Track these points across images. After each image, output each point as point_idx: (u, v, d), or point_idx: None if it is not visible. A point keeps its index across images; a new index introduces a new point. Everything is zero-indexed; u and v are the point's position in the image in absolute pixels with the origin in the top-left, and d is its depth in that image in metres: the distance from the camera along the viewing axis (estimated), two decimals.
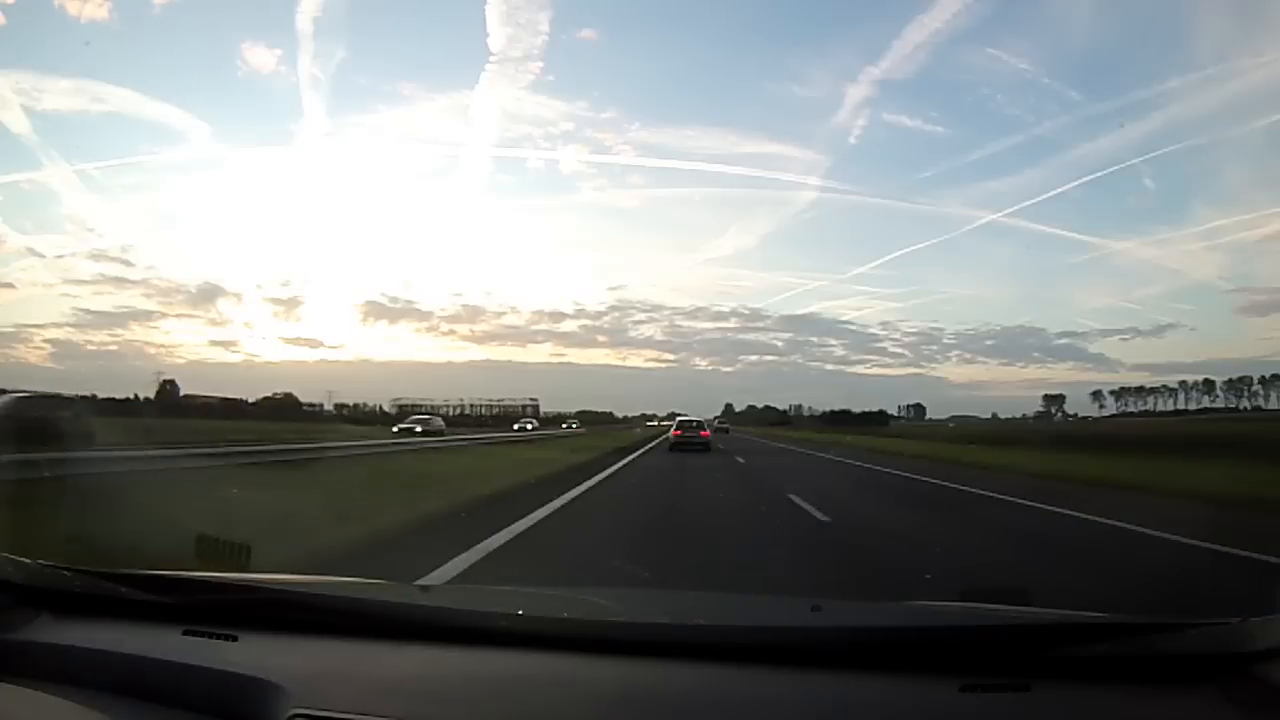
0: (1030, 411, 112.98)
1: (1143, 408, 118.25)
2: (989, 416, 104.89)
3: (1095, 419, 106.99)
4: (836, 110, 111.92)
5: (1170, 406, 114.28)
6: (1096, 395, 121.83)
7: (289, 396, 79.45)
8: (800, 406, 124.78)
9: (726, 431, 52.47)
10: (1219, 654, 1.12)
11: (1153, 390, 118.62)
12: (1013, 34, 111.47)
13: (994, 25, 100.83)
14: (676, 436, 25.41)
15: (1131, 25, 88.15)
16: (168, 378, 71.58)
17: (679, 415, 31.11)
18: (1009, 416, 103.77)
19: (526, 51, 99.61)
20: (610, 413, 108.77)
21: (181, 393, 65.68)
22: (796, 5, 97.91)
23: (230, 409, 60.63)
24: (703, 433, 25.63)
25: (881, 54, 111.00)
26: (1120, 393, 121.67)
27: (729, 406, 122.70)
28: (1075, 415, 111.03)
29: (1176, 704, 1.07)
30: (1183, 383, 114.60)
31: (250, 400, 73.56)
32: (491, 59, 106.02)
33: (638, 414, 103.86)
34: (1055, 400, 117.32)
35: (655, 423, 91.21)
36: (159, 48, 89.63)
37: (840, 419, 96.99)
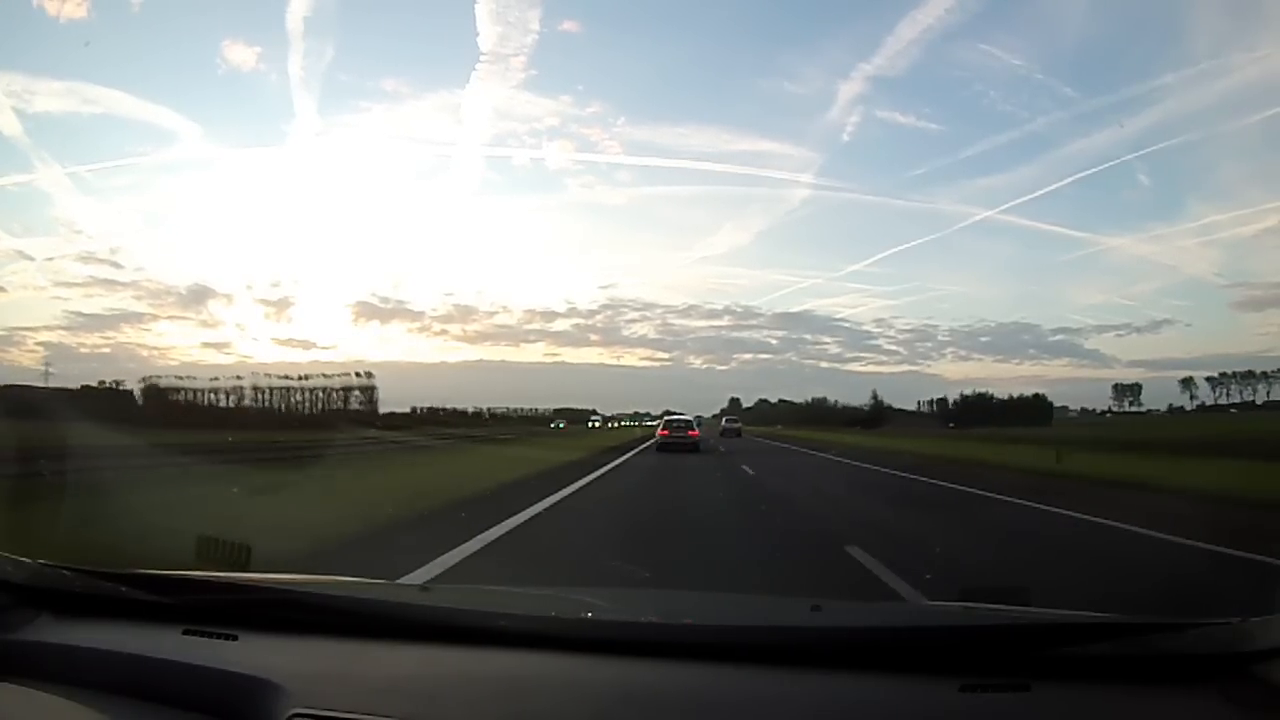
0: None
1: (1248, 396, 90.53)
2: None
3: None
4: (829, 107, 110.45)
5: None
6: (1186, 383, 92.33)
7: (151, 386, 55.22)
8: (827, 400, 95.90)
9: (737, 434, 39.21)
10: (1219, 654, 1.12)
11: (1265, 375, 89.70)
12: (1005, 30, 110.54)
13: (987, 21, 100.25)
14: (664, 437, 24.39)
15: (1125, 21, 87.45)
16: None
17: (671, 413, 30.27)
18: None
19: (516, 49, 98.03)
20: (595, 410, 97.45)
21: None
22: (788, 1, 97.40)
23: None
24: (691, 432, 24.46)
25: (874, 50, 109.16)
26: (1220, 379, 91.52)
27: (735, 401, 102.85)
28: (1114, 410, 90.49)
29: (1176, 704, 1.07)
30: None
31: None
32: (482, 57, 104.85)
33: (630, 412, 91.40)
34: (1129, 391, 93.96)
35: (600, 423, 78.07)
36: (151, 49, 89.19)
37: (970, 415, 63.87)
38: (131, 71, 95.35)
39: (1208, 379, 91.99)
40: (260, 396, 55.97)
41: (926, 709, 1.10)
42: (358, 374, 58.73)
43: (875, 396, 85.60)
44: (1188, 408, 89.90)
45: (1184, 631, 1.16)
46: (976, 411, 67.58)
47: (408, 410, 62.49)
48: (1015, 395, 79.94)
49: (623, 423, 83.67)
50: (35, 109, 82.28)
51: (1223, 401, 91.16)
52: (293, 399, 56.91)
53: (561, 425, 70.44)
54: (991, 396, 77.60)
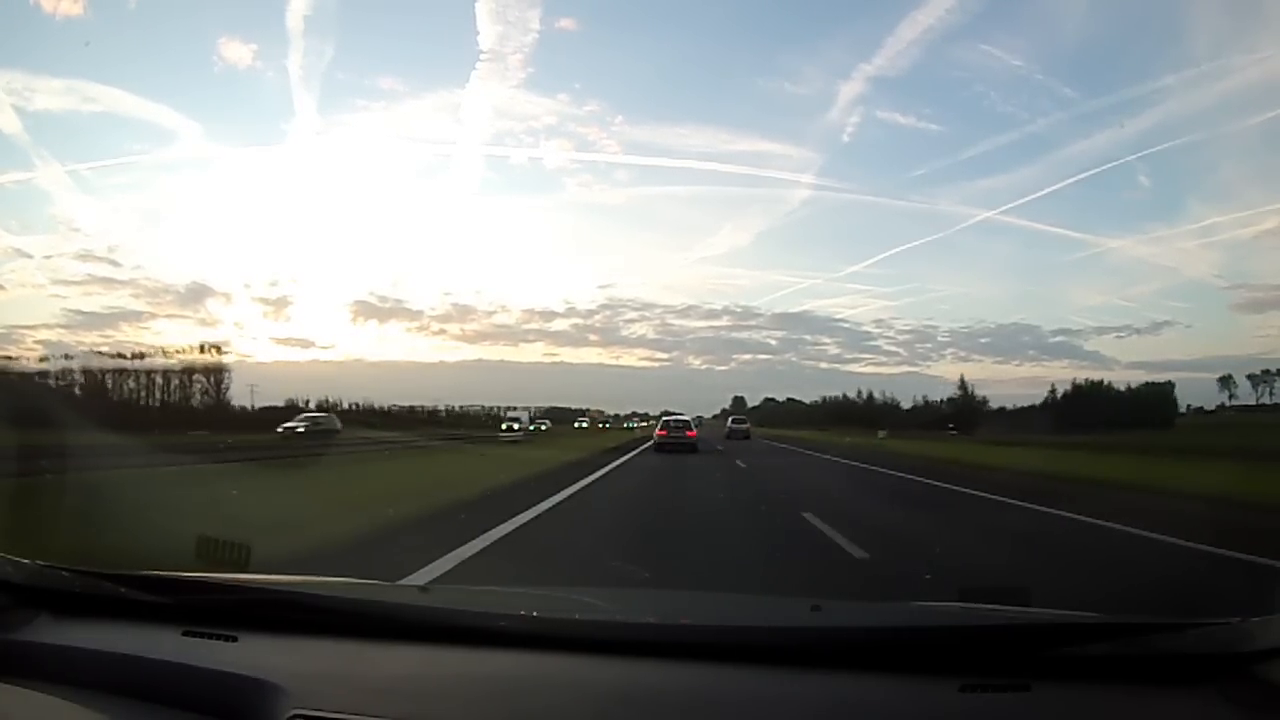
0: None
1: None
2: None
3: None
4: (829, 107, 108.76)
5: None
6: (1225, 381, 75.04)
7: None
8: (837, 397, 76.11)
9: (746, 436, 35.71)
10: (1219, 654, 1.12)
11: None
12: (1006, 30, 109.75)
13: (987, 22, 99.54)
14: (661, 436, 24.41)
15: (1126, 21, 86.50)
16: None
17: (669, 413, 29.92)
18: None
19: (516, 48, 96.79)
20: (586, 409, 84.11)
21: None
22: (788, 0, 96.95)
23: None
24: (689, 433, 24.40)
25: (874, 51, 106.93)
26: (1263, 377, 74.72)
27: (740, 400, 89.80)
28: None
29: (1176, 704, 1.07)
30: None
31: None
32: (481, 56, 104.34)
33: (626, 413, 78.64)
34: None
35: (523, 424, 42.90)
36: (150, 48, 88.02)
37: (1080, 413, 45.94)
38: (131, 70, 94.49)
39: (1249, 377, 77.40)
40: (91, 382, 43.46)
41: (926, 709, 1.10)
42: (204, 348, 45.00)
43: (964, 386, 62.67)
44: (1208, 407, 74.95)
45: (1184, 631, 1.16)
46: (1087, 409, 48.17)
47: (280, 404, 43.54)
48: (1132, 386, 58.34)
49: (596, 424, 63.60)
50: (34, 107, 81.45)
51: (1265, 401, 75.87)
52: (125, 385, 44.28)
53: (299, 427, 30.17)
54: (1109, 387, 57.20)
